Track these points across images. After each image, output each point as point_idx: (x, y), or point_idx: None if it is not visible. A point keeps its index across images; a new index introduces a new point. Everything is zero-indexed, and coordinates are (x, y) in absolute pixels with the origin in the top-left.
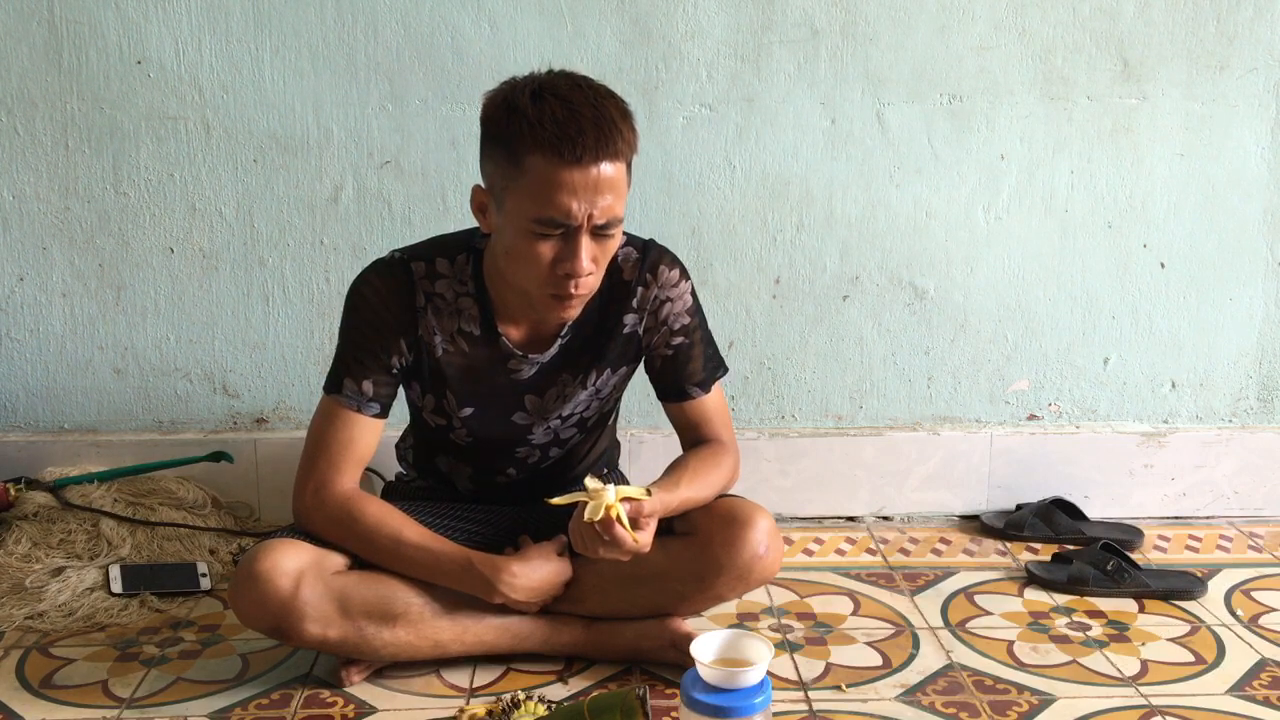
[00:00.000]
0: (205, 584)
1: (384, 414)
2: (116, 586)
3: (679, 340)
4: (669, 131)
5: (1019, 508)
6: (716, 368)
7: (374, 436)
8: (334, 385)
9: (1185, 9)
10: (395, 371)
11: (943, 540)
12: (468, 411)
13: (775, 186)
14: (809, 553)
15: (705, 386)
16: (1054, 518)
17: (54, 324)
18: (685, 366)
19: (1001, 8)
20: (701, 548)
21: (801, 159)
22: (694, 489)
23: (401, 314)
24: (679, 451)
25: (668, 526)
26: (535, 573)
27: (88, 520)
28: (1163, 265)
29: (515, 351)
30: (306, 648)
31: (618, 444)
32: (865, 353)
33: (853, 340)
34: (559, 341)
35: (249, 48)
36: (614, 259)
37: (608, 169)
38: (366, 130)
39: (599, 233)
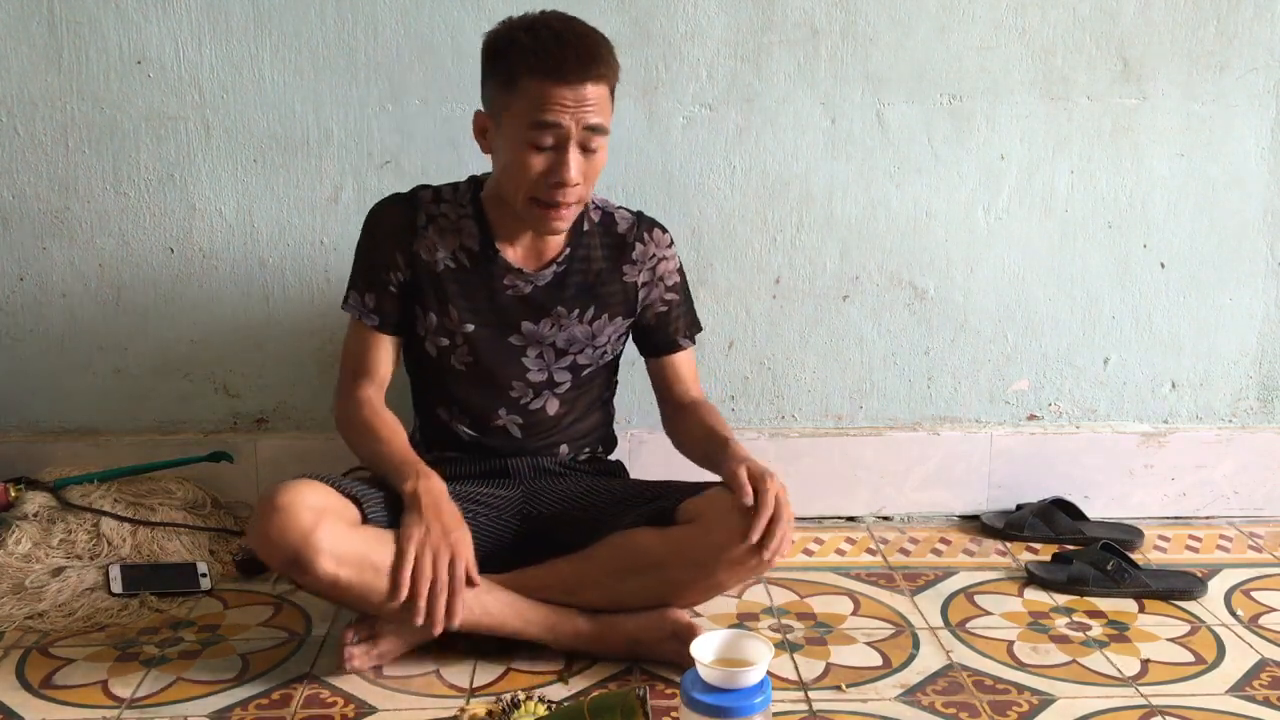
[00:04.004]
0: (205, 584)
1: (383, 329)
2: (116, 586)
3: (671, 296)
4: (669, 131)
5: (1019, 508)
6: (696, 324)
7: (381, 351)
8: (346, 298)
9: (1185, 9)
10: (393, 289)
11: (943, 540)
12: (469, 328)
13: (775, 186)
14: (809, 553)
15: (691, 339)
16: (1054, 518)
17: (54, 324)
18: (677, 321)
19: (1001, 8)
20: (703, 535)
21: (801, 159)
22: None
23: (401, 231)
24: (678, 452)
25: (670, 517)
26: (447, 505)
27: (88, 520)
28: (1163, 265)
29: (512, 266)
30: (316, 587)
31: (614, 437)
32: (865, 353)
33: (853, 340)
34: (554, 267)
35: (249, 48)
36: (611, 217)
37: (592, 87)
38: (366, 130)
39: (586, 148)
